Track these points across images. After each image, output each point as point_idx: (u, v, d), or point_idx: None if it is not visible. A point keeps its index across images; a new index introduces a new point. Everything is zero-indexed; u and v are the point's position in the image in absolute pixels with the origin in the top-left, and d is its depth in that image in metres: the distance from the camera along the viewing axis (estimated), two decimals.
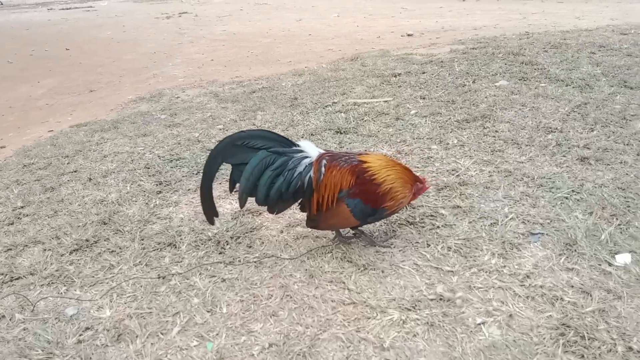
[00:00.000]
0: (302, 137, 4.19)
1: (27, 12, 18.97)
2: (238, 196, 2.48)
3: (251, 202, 3.16)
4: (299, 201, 2.61)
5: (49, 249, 2.90)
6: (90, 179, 3.84)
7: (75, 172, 4.05)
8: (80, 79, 7.95)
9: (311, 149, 2.52)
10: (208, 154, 2.46)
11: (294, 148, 2.50)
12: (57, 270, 2.69)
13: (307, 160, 2.48)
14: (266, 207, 2.53)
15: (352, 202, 2.43)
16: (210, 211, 2.53)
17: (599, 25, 8.28)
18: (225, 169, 3.70)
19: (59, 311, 2.38)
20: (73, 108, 6.41)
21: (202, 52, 9.45)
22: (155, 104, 6.04)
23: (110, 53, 10.03)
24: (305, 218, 2.65)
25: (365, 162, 2.47)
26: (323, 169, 2.45)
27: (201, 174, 2.45)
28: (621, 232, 2.61)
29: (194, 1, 20.08)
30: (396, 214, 2.90)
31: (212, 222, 2.58)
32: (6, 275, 2.69)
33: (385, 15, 12.39)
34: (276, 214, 2.57)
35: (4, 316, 2.37)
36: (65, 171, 4.08)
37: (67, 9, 19.13)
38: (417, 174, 2.60)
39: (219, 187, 3.49)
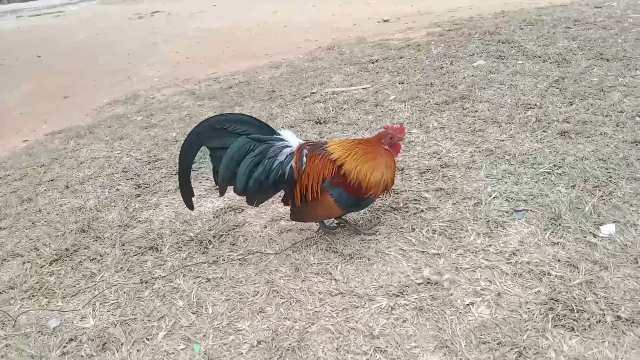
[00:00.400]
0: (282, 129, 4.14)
1: None
2: (217, 184, 2.42)
3: (233, 199, 3.13)
4: (281, 194, 2.57)
5: (28, 261, 2.83)
6: (67, 187, 3.76)
7: (52, 180, 3.97)
8: (54, 85, 7.79)
9: (292, 139, 2.47)
10: (185, 137, 2.40)
11: (275, 136, 2.45)
12: (37, 283, 2.62)
13: (288, 150, 2.43)
14: (245, 197, 2.48)
15: (336, 192, 2.39)
16: (188, 196, 2.49)
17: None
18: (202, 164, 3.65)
19: (41, 324, 2.32)
20: (48, 115, 6.27)
21: (176, 50, 9.31)
22: (130, 106, 5.94)
23: (83, 57, 9.84)
24: (289, 212, 2.61)
25: (332, 153, 2.42)
26: (305, 158, 2.41)
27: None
28: (604, 203, 2.60)
29: None
30: (380, 200, 2.88)
31: (191, 207, 2.54)
32: None
33: (360, 3, 12.30)
34: (256, 205, 2.52)
35: None
36: (42, 180, 3.99)
37: (37, 15, 18.73)
38: (379, 131, 2.51)
39: (199, 186, 3.44)
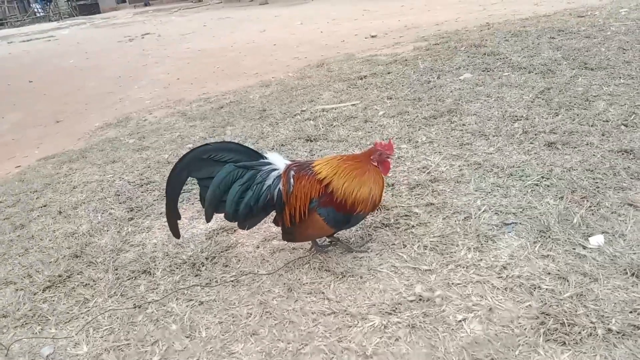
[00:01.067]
0: (273, 149, 4.17)
1: None
2: (204, 210, 2.44)
3: (225, 220, 3.14)
4: (272, 215, 2.58)
5: (21, 289, 2.82)
6: (60, 212, 3.76)
7: (44, 206, 3.97)
8: (46, 111, 7.81)
9: (278, 161, 2.49)
10: (171, 168, 2.42)
11: (262, 161, 2.47)
12: (30, 310, 2.62)
13: (275, 173, 2.45)
14: (236, 222, 2.50)
15: (324, 212, 2.41)
16: (175, 225, 2.51)
17: (557, 9, 8.43)
18: (193, 186, 3.66)
19: (34, 352, 2.31)
20: (40, 141, 6.28)
21: (167, 71, 9.37)
22: (122, 129, 5.96)
23: (74, 81, 9.88)
24: (281, 232, 2.62)
25: (319, 172, 2.44)
26: (292, 180, 2.43)
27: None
28: (592, 214, 2.63)
29: (156, 21, 19.94)
30: (371, 216, 2.90)
31: (177, 236, 2.56)
32: None
33: (348, 19, 12.45)
34: (247, 229, 2.55)
35: None
36: (34, 206, 3.99)
37: (28, 40, 18.83)
38: (368, 148, 2.52)
39: (192, 208, 3.45)
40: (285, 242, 2.81)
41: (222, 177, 2.38)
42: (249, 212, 2.42)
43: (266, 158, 2.49)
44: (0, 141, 6.59)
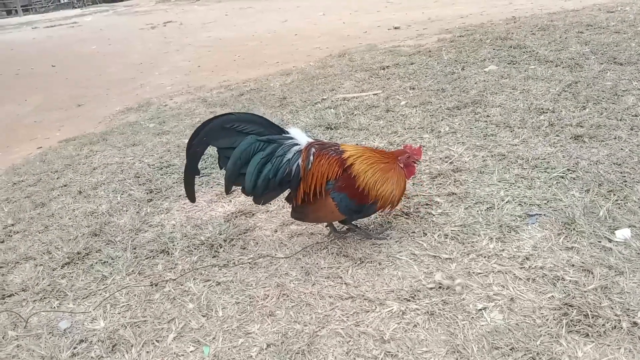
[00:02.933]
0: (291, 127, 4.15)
1: (12, 33, 18.88)
2: (224, 181, 2.42)
3: (244, 203, 3.14)
4: (288, 194, 2.56)
5: (41, 264, 2.84)
6: (80, 192, 3.79)
7: (65, 186, 4.00)
8: (67, 94, 7.89)
9: (301, 137, 2.46)
10: (192, 132, 2.40)
11: (284, 135, 2.44)
12: (49, 285, 2.64)
13: (296, 148, 2.42)
14: (252, 197, 2.47)
15: (337, 196, 2.37)
16: (191, 189, 2.50)
17: (585, 5, 8.24)
18: (213, 169, 3.66)
19: (52, 326, 2.33)
20: (61, 123, 6.35)
21: (188, 59, 9.40)
22: (143, 114, 5.99)
23: (96, 67, 9.96)
24: (291, 209, 2.59)
25: (345, 151, 2.41)
26: (312, 157, 2.40)
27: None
28: (619, 208, 2.56)
29: (177, 10, 20.02)
30: None
31: (192, 199, 2.56)
32: None
33: (370, 11, 12.35)
34: (263, 204, 2.52)
35: None
36: (55, 186, 4.02)
37: (52, 26, 19.03)
38: (398, 149, 2.48)
39: (210, 191, 3.44)
40: (304, 227, 2.80)
41: (243, 149, 2.35)
42: (266, 185, 2.38)
43: (288, 133, 2.46)
44: (22, 123, 6.67)
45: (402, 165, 2.41)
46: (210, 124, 2.37)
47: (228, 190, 2.45)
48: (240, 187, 2.43)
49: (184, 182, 2.51)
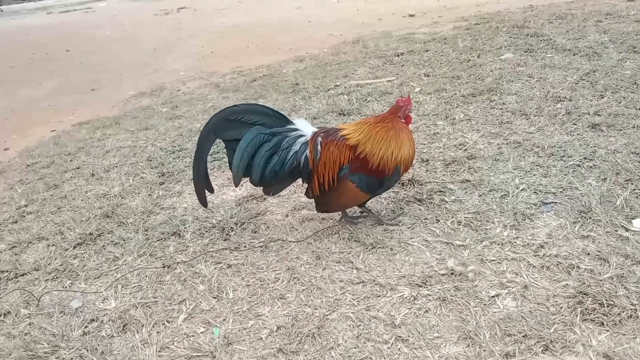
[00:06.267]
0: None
1: (27, 17, 18.95)
2: (232, 174, 2.42)
3: (255, 187, 3.12)
4: (304, 186, 2.55)
5: (53, 245, 2.86)
6: (92, 175, 3.80)
7: (78, 168, 4.02)
8: (81, 79, 7.91)
9: (306, 127, 2.45)
10: (201, 130, 2.39)
11: (289, 127, 2.43)
12: (61, 265, 2.65)
13: (302, 139, 2.41)
14: (262, 187, 2.47)
15: (356, 178, 2.36)
16: (202, 192, 2.48)
17: None
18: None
19: (64, 305, 2.34)
20: (75, 107, 6.37)
21: (202, 45, 9.37)
22: (156, 98, 5.99)
23: (110, 51, 9.98)
24: (314, 204, 2.59)
25: (347, 135, 2.39)
26: (319, 147, 2.38)
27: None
28: (637, 197, 2.51)
29: None
30: (403, 190, 2.84)
31: (205, 204, 2.54)
32: (11, 272, 2.66)
33: None
34: (272, 195, 2.53)
35: (9, 312, 2.34)
36: (68, 168, 4.04)
37: (66, 11, 19.07)
38: (391, 106, 2.46)
39: (222, 175, 3.44)
40: (315, 212, 2.78)
41: (248, 141, 2.34)
42: (274, 177, 2.39)
43: (293, 124, 2.45)
44: (37, 106, 6.70)
45: (403, 120, 2.40)
46: (214, 118, 2.37)
47: (237, 183, 2.45)
48: (249, 179, 2.43)
49: (195, 189, 2.51)
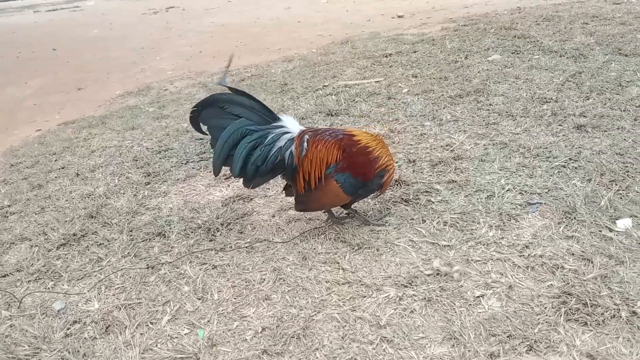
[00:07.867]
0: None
1: (13, 16, 18.75)
2: (212, 162, 2.40)
3: (242, 188, 3.10)
4: (285, 186, 2.54)
5: (36, 245, 2.83)
6: (77, 175, 3.76)
7: (62, 168, 3.97)
8: (68, 78, 7.83)
9: (293, 125, 2.43)
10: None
11: (274, 124, 2.41)
12: (44, 266, 2.62)
13: (288, 136, 2.40)
14: (242, 180, 2.45)
15: (341, 177, 2.35)
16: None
17: None
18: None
19: (46, 306, 2.31)
20: (61, 106, 6.30)
21: (190, 44, 9.32)
22: (143, 98, 5.95)
23: (97, 51, 9.89)
24: (294, 202, 2.57)
25: (354, 135, 2.40)
26: (306, 144, 2.37)
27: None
28: (621, 198, 2.53)
29: None
30: (390, 191, 2.84)
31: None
32: None
33: None
34: (252, 188, 2.51)
35: None
36: (52, 168, 4.00)
37: (54, 10, 18.90)
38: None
39: (209, 175, 3.41)
40: (302, 213, 2.76)
41: (230, 132, 2.32)
42: (255, 171, 2.36)
43: (280, 120, 2.43)
44: (22, 106, 6.62)
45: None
46: (202, 102, 2.38)
47: (217, 173, 2.41)
48: (230, 170, 2.41)
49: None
